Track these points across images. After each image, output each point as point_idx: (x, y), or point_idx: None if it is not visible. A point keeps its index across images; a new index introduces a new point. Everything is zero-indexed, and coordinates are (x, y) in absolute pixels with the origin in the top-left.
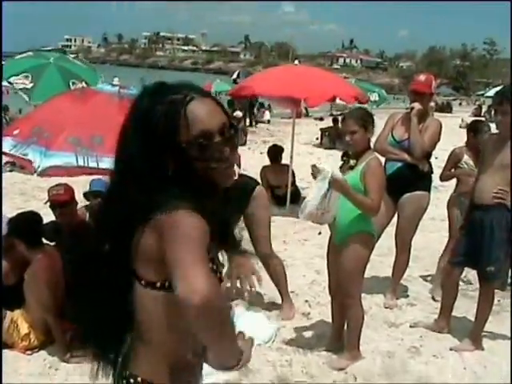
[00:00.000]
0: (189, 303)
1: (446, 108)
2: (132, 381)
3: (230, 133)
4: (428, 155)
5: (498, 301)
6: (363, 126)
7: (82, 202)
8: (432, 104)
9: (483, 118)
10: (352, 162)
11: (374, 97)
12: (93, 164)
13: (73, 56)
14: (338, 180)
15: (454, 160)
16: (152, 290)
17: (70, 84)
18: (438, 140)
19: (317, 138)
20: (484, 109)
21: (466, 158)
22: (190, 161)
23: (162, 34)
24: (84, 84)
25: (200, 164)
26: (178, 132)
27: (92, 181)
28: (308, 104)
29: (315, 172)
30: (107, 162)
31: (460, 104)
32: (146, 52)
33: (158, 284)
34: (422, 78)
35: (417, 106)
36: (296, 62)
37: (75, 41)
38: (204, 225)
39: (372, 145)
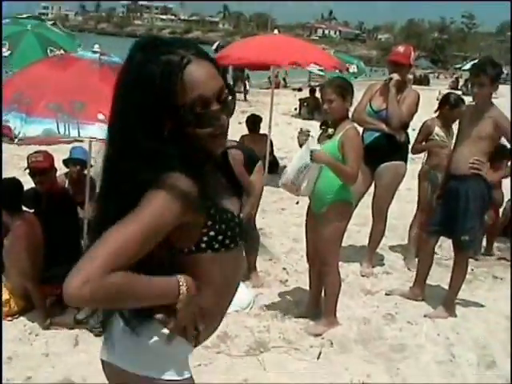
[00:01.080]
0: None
1: (423, 81)
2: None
3: (227, 99)
4: (405, 125)
5: (472, 270)
6: (341, 94)
7: (61, 169)
8: (410, 76)
9: (460, 91)
10: (330, 130)
11: (353, 68)
12: (74, 131)
13: (51, 23)
14: (320, 154)
15: (425, 132)
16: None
17: (48, 51)
18: (416, 111)
19: (295, 109)
20: (461, 82)
21: (437, 129)
22: (184, 125)
23: (140, 2)
24: (62, 51)
25: (193, 130)
26: (175, 95)
27: (72, 148)
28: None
29: (301, 138)
30: (89, 130)
31: (437, 77)
32: (123, 21)
33: (186, 250)
34: (401, 49)
35: (395, 76)
36: (275, 31)
37: (52, 8)
38: (174, 208)
39: (350, 115)
